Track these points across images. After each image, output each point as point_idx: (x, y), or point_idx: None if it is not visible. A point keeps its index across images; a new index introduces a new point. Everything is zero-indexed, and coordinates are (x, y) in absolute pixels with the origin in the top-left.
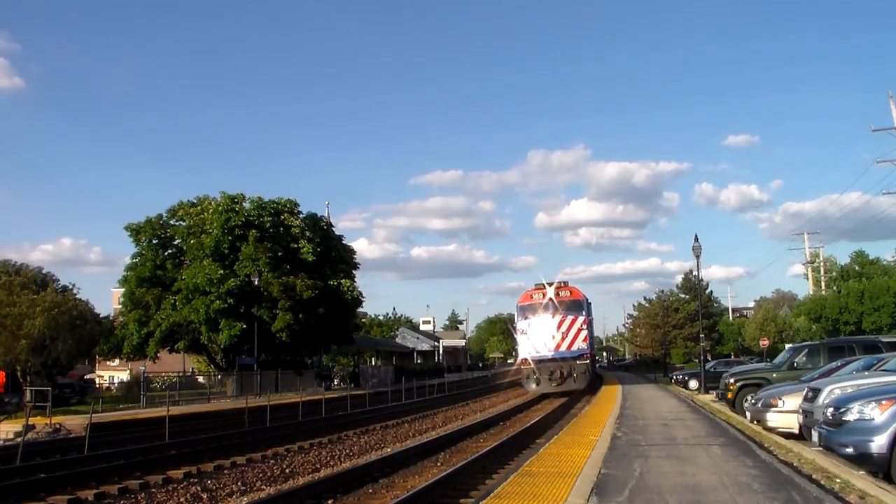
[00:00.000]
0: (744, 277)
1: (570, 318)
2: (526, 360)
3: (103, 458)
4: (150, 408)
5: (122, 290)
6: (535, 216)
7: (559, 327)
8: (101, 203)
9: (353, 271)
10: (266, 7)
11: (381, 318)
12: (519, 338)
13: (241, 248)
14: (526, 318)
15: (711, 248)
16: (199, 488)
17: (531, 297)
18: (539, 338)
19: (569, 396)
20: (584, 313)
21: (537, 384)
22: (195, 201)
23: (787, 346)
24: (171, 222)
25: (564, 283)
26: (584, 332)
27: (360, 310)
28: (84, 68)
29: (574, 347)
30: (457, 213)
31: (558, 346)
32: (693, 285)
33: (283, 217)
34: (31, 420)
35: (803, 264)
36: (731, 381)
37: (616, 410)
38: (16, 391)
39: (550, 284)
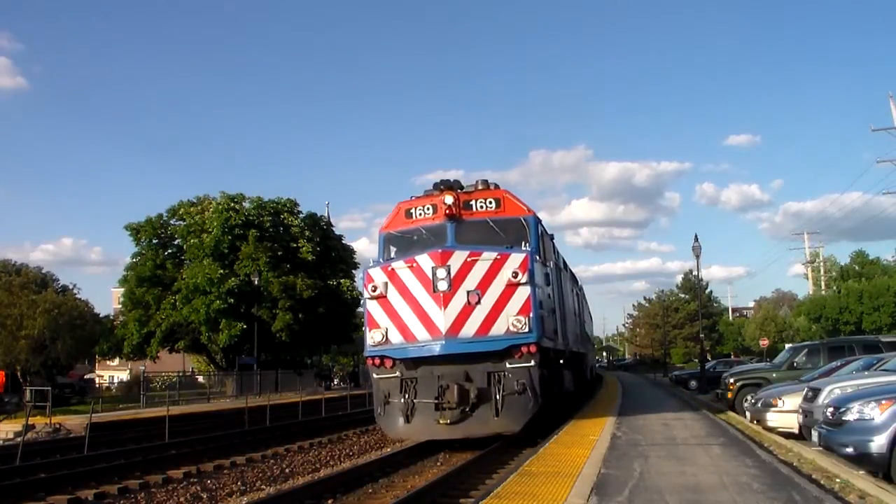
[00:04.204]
0: (744, 277)
1: (490, 257)
2: (379, 359)
3: (103, 458)
4: (149, 408)
5: (122, 289)
6: None
7: (462, 278)
8: (102, 203)
9: (353, 271)
10: (266, 7)
11: None
12: (369, 305)
13: (241, 247)
14: (389, 262)
15: (712, 248)
16: (199, 488)
17: (408, 213)
18: (413, 306)
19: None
20: (526, 246)
21: (407, 418)
22: (195, 201)
23: (787, 346)
24: (171, 222)
25: (486, 182)
26: (526, 292)
27: (360, 309)
28: (85, 68)
29: (498, 327)
30: None
31: (458, 322)
32: (693, 285)
33: (282, 217)
34: (31, 420)
35: (803, 264)
36: (731, 381)
37: (616, 411)
38: (16, 391)
39: (452, 188)
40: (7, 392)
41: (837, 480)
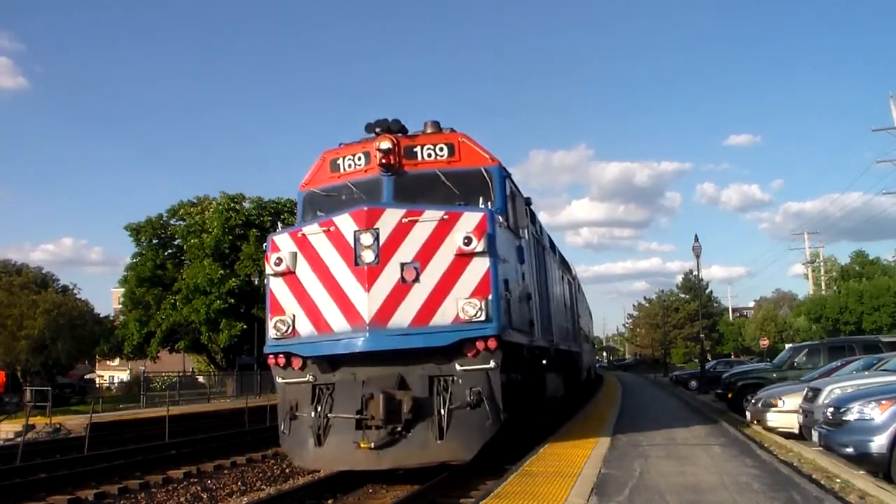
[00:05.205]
0: (744, 277)
1: (434, 217)
2: (283, 357)
3: (103, 458)
4: (150, 408)
5: (123, 289)
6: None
7: (395, 247)
8: (102, 203)
9: None
10: (266, 6)
11: None
12: (272, 283)
13: (242, 247)
14: (300, 227)
15: (712, 248)
16: (199, 488)
17: (334, 164)
18: (329, 285)
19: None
20: (488, 203)
21: (318, 439)
22: (195, 201)
23: (787, 346)
24: (172, 222)
25: (437, 125)
26: (484, 266)
27: None
28: (86, 68)
29: (444, 314)
30: None
31: (388, 307)
32: (693, 285)
33: (283, 217)
34: (32, 420)
35: (803, 264)
36: (731, 380)
37: (616, 411)
38: (16, 391)
39: (390, 130)
40: (7, 392)
41: (837, 480)
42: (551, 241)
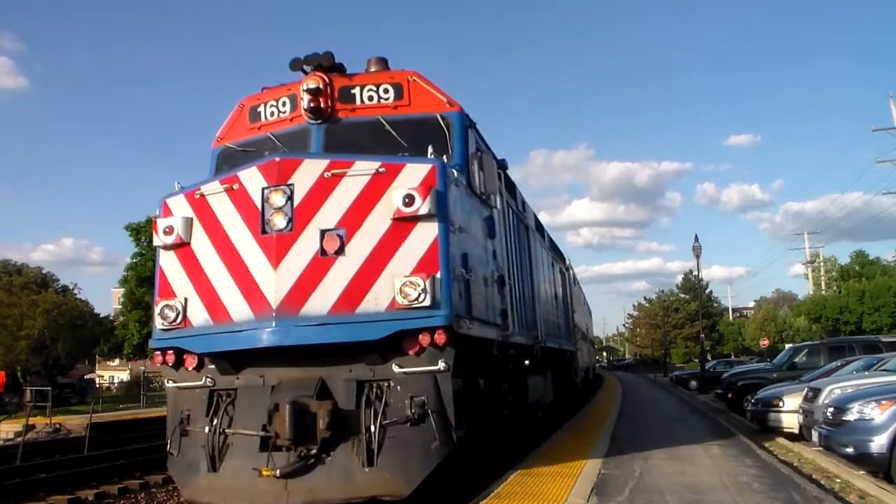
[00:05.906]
0: (744, 277)
1: (366, 169)
2: (172, 354)
3: (103, 458)
4: (150, 407)
5: (123, 290)
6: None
7: (314, 209)
8: (102, 203)
9: None
10: (268, 6)
11: None
12: (162, 259)
13: None
14: (199, 186)
15: (712, 248)
16: None
17: (254, 113)
18: (229, 260)
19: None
20: (444, 158)
21: (212, 463)
22: None
23: (787, 346)
24: None
25: (383, 62)
26: (430, 234)
27: None
28: (86, 68)
29: (376, 298)
30: None
31: (302, 288)
32: (693, 285)
33: None
34: (32, 420)
35: (803, 264)
36: (731, 380)
37: (616, 410)
38: (16, 391)
39: (322, 67)
40: (7, 392)
41: (837, 480)
42: (538, 222)
